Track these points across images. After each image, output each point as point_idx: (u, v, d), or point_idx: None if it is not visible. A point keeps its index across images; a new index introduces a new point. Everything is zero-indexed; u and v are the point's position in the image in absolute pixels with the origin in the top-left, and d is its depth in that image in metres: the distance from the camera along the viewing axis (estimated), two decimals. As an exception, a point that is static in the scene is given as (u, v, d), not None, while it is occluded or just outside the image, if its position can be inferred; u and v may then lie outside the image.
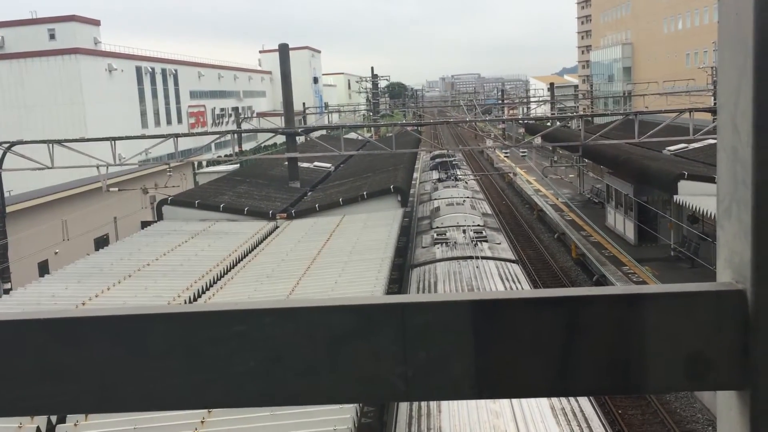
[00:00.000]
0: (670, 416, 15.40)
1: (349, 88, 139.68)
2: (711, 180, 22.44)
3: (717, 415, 0.81)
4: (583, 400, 8.63)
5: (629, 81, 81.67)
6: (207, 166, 51.94)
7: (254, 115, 77.65)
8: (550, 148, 53.68)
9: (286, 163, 29.20)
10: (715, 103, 42.51)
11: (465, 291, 15.73)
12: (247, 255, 17.22)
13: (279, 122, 52.24)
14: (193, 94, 75.68)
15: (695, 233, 23.78)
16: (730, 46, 0.75)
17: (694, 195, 22.22)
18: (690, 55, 68.87)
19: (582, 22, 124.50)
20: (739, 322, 0.74)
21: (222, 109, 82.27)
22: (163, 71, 68.60)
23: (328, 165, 34.71)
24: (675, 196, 23.03)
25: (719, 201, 0.78)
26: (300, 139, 55.82)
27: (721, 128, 0.79)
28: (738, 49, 0.73)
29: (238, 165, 39.21)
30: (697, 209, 21.55)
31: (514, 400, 8.09)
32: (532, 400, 8.16)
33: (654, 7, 77.39)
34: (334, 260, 15.85)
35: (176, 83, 71.20)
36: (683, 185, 22.88)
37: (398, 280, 19.85)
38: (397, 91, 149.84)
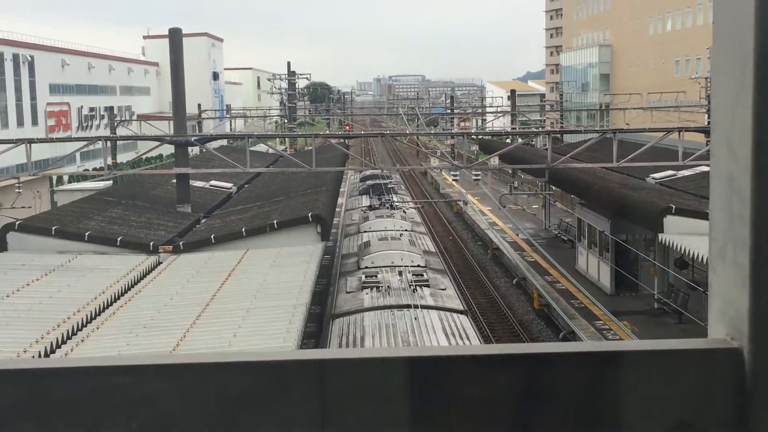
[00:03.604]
0: None
1: (259, 87, 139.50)
2: (704, 216, 23.22)
3: None
4: None
5: (607, 91, 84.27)
6: (70, 182, 50.90)
7: (134, 117, 76.53)
8: (510, 172, 54.62)
9: (174, 180, 28.83)
10: (709, 122, 44.14)
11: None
12: (118, 299, 16.88)
13: (166, 128, 51.64)
14: (54, 89, 74.16)
15: (684, 281, 24.50)
16: (726, 51, 0.74)
17: (682, 234, 22.93)
18: (680, 62, 71.62)
19: (551, 17, 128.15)
20: (735, 386, 0.74)
21: (92, 109, 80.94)
22: (15, 57, 67.06)
23: (229, 185, 34.45)
24: (660, 235, 23.72)
25: (712, 240, 0.78)
26: (193, 151, 55.28)
27: (715, 151, 0.79)
28: (736, 53, 0.72)
29: (111, 182, 38.50)
30: (687, 251, 22.22)
31: None
32: None
33: (638, 2, 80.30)
34: (233, 307, 15.69)
35: (32, 73, 69.68)
36: (670, 221, 23.60)
37: (315, 333, 19.72)
38: (320, 93, 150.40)
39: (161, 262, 20.68)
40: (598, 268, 29.37)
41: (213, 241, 22.12)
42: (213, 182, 34.03)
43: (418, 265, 21.50)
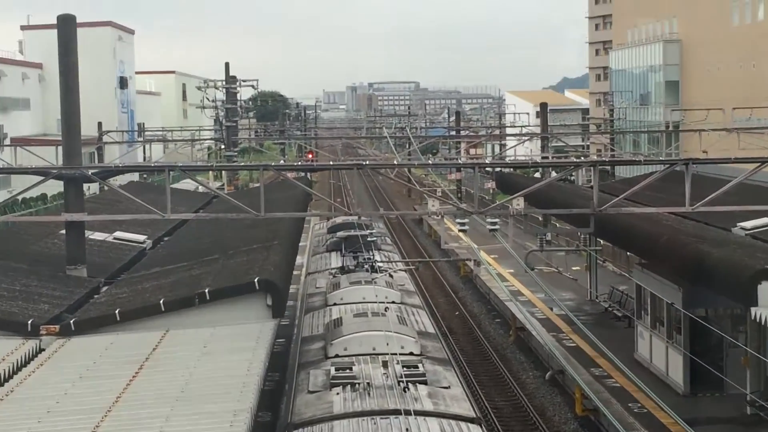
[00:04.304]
0: None
1: (185, 98, 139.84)
2: (814, 282, 23.25)
3: None
4: None
5: (675, 105, 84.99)
6: None
7: (6, 140, 76.41)
8: (540, 219, 54.67)
9: (63, 231, 28.68)
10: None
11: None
12: (-19, 402, 16.66)
13: (53, 156, 51.59)
14: None
15: (788, 375, 24.47)
16: None
17: (785, 308, 22.95)
18: (777, 64, 72.39)
19: (596, 1, 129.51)
20: None
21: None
22: None
23: (142, 238, 34.34)
24: (753, 310, 23.73)
25: None
26: (91, 189, 55.02)
27: None
28: None
29: (-27, 232, 38.30)
30: (792, 333, 22.24)
31: None
32: None
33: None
34: (146, 414, 15.54)
35: None
36: (767, 290, 23.63)
37: (264, 451, 19.48)
38: (272, 107, 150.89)
39: (43, 349, 20.43)
40: (666, 357, 29.28)
41: (118, 318, 21.91)
42: (119, 234, 33.88)
43: (411, 353, 21.36)
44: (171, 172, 28.79)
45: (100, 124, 74.34)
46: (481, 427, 17.43)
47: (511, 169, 59.03)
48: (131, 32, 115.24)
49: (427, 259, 55.49)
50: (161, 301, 22.37)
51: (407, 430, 16.14)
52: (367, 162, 31.50)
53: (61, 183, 28.69)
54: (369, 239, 37.82)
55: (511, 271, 47.46)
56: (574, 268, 45.82)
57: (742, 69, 76.85)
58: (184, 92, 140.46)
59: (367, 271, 31.53)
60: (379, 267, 32.58)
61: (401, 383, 18.71)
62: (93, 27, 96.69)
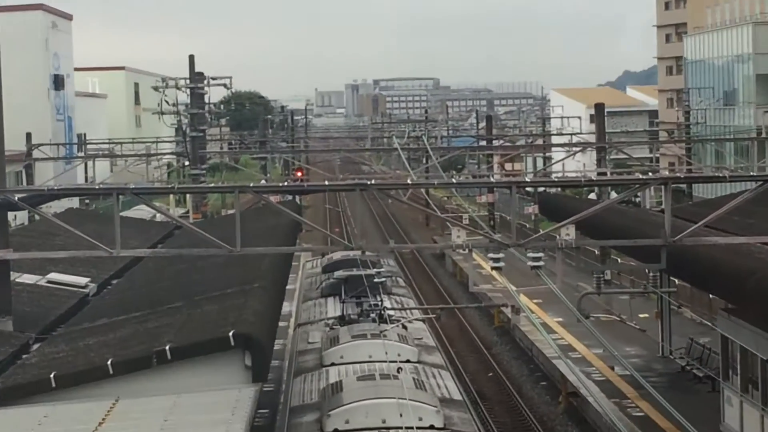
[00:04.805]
0: None
1: (138, 102, 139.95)
2: None
3: None
4: None
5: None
6: None
7: None
8: (597, 252, 54.54)
9: (-16, 273, 28.74)
10: None
11: None
12: None
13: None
14: None
15: None
16: None
17: None
18: None
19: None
20: None
21: None
22: None
23: (84, 281, 34.36)
24: None
25: None
26: (17, 218, 55.04)
27: None
28: None
29: None
30: None
31: None
32: None
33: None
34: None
35: None
36: None
37: None
38: (250, 112, 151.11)
39: (-42, 425, 20.47)
40: (761, 429, 29.21)
41: (54, 384, 21.93)
42: (54, 276, 33.91)
43: (432, 426, 21.33)
44: (120, 197, 28.82)
45: (28, 135, 74.45)
46: None
47: (559, 189, 59.05)
48: (69, 18, 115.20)
49: (451, 306, 55.47)
50: (109, 362, 22.36)
51: None
52: (373, 181, 31.48)
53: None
54: (376, 280, 37.85)
55: (560, 319, 47.38)
56: (641, 316, 45.71)
57: None
58: (136, 94, 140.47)
59: (373, 321, 31.54)
60: (390, 316, 32.60)
61: (420, 466, 18.70)
62: (20, 11, 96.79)
